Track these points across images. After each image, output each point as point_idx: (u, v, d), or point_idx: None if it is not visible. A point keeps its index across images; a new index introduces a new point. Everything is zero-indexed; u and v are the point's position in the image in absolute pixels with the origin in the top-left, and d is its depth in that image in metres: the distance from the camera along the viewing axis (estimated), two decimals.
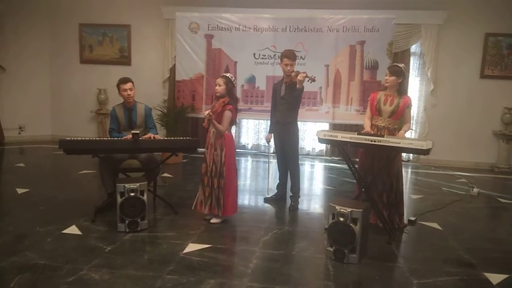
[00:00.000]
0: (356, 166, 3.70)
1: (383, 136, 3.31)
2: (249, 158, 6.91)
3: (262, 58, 6.41)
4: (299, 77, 3.83)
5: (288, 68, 3.99)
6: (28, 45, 7.43)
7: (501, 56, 6.54)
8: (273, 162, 6.61)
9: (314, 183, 5.64)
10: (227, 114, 3.56)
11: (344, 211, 2.93)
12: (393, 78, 3.56)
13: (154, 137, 3.87)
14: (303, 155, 7.11)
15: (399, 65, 3.66)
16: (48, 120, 7.79)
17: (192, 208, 3.93)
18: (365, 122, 3.75)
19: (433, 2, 6.45)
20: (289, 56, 4.00)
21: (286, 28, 6.30)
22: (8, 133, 7.40)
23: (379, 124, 3.64)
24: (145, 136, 3.90)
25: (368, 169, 3.63)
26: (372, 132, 3.56)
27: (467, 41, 6.59)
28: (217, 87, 3.59)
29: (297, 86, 3.91)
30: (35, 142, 7.42)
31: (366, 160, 3.68)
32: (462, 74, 6.68)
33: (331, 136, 3.51)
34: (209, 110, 3.53)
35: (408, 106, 3.61)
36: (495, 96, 6.59)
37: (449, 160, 6.69)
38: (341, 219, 2.94)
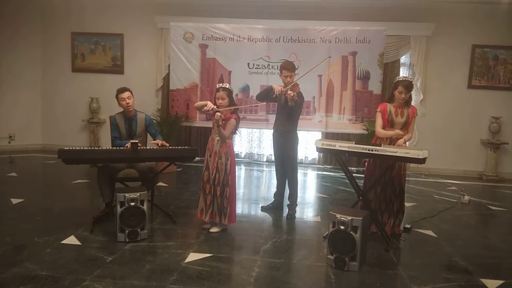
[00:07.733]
0: (353, 175, 3.77)
1: (380, 145, 3.39)
2: (242, 167, 6.94)
3: (256, 68, 6.48)
4: (287, 95, 3.82)
5: (288, 80, 4.01)
6: (19, 53, 7.34)
7: (488, 67, 6.73)
8: (266, 171, 6.70)
9: (308, 191, 5.69)
10: (232, 122, 3.58)
11: (345, 219, 2.98)
12: (409, 94, 3.63)
13: (163, 144, 3.90)
14: None
15: (410, 79, 3.67)
16: (38, 129, 7.68)
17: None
18: (381, 132, 3.67)
19: (421, 15, 6.62)
20: (288, 68, 4.03)
21: (279, 38, 6.40)
22: None
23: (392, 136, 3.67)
24: (154, 141, 3.96)
25: (376, 179, 3.66)
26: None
27: (455, 52, 6.76)
28: (220, 101, 3.53)
29: (288, 103, 3.92)
30: (25, 151, 7.32)
31: (374, 169, 3.72)
32: (451, 84, 6.84)
33: (329, 145, 3.58)
34: (221, 114, 3.45)
35: (415, 115, 3.72)
36: (482, 105, 6.76)
37: (438, 168, 6.81)
38: (342, 227, 2.99)
